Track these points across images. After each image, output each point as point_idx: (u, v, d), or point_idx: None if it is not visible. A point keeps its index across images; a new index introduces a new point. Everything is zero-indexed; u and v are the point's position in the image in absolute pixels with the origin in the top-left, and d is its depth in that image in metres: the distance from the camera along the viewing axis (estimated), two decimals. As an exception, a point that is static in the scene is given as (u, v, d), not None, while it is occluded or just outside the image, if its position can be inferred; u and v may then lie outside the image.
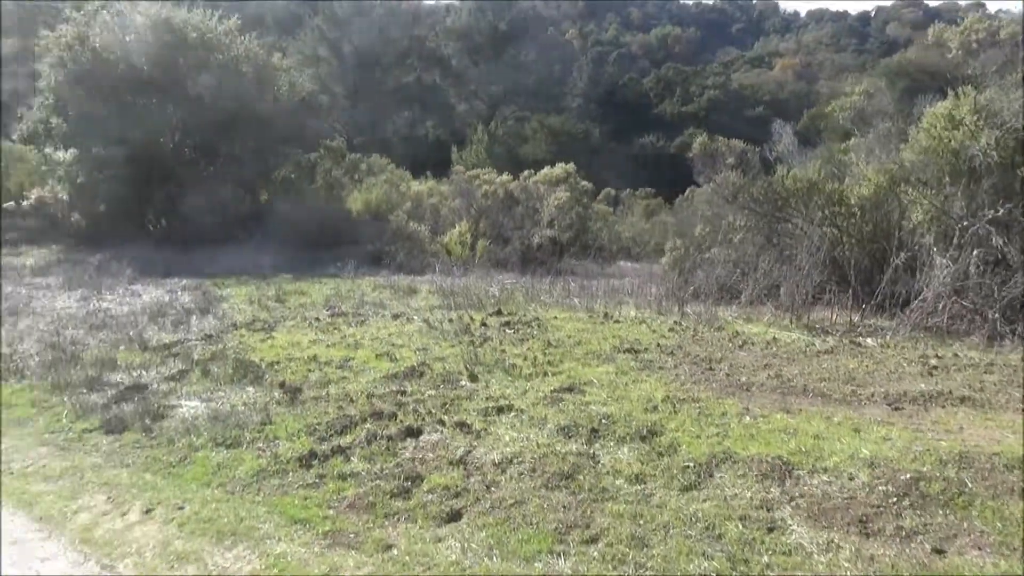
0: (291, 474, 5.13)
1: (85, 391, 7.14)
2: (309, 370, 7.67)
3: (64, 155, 18.92)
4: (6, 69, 44.27)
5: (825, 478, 4.82)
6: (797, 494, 4.61)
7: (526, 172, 26.29)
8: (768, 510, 4.42)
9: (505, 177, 25.62)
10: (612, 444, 5.44)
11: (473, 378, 7.19)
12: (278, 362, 8.03)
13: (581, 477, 4.88)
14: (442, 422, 5.91)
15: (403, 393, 6.76)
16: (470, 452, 5.34)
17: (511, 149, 54.44)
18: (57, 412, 6.67)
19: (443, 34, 67.13)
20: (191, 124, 20.67)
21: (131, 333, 9.72)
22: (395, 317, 10.85)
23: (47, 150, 19.39)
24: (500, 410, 6.20)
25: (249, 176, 21.89)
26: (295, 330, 10.06)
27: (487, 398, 6.56)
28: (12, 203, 20.57)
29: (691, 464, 5.04)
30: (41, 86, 19.52)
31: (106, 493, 4.97)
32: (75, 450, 5.82)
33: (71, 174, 19.32)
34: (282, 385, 6.99)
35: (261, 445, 5.63)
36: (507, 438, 5.56)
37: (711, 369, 7.60)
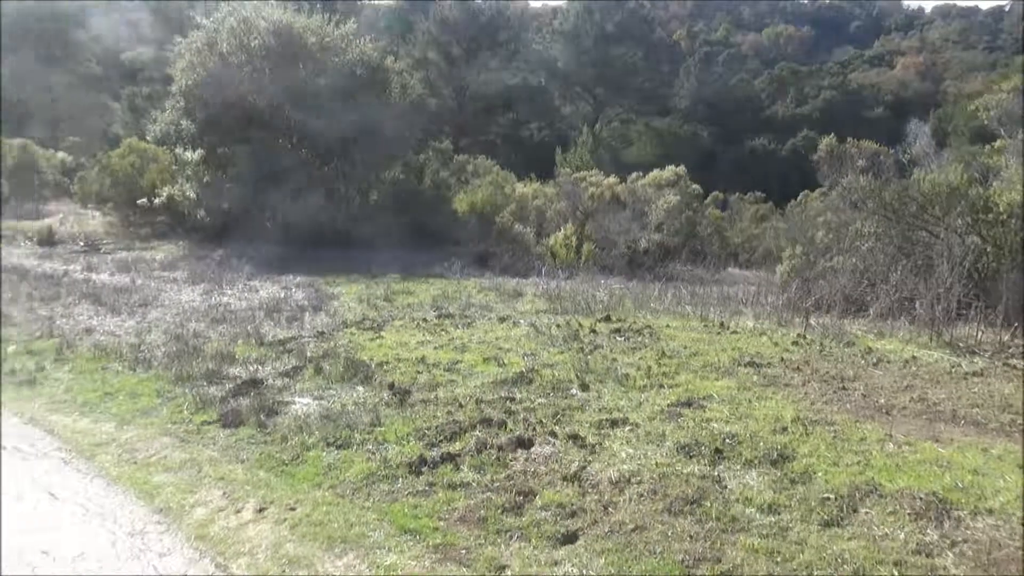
0: (401, 480, 5.00)
1: (205, 383, 7.34)
2: (417, 372, 7.59)
3: (192, 155, 19.96)
4: (143, 75, 47.59)
5: (991, 521, 4.24)
6: (959, 539, 4.06)
7: (633, 175, 25.76)
8: (927, 555, 3.90)
9: (612, 179, 25.17)
10: (739, 467, 5.02)
11: (584, 387, 6.89)
12: (387, 362, 8.01)
13: (707, 503, 4.50)
14: (554, 433, 5.65)
15: (512, 400, 6.54)
16: (584, 468, 5.05)
17: (615, 151, 53.82)
18: (179, 403, 6.86)
19: (550, 36, 67.07)
20: (308, 126, 21.37)
21: (249, 328, 10.00)
22: (501, 320, 10.70)
23: (177, 150, 20.52)
24: (614, 423, 5.88)
25: (361, 176, 22.43)
26: (403, 330, 10.07)
27: (600, 409, 6.25)
28: (145, 200, 21.90)
29: (831, 496, 4.55)
30: (173, 90, 20.70)
31: (222, 488, 5.00)
32: (194, 442, 5.94)
33: (198, 173, 20.38)
34: (391, 386, 6.93)
35: (371, 447, 5.55)
36: (623, 454, 5.24)
37: (844, 388, 6.99)
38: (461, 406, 6.38)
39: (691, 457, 5.17)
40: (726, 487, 4.71)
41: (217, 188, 20.40)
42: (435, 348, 8.80)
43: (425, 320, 10.74)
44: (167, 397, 7.09)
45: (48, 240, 20.30)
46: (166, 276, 15.14)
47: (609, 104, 65.87)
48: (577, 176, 26.27)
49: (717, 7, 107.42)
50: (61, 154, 33.58)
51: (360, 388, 7.05)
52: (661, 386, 6.94)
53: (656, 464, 5.03)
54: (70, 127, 47.12)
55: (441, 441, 5.59)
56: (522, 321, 10.61)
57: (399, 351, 8.66)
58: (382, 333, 9.84)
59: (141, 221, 23.03)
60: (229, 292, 13.35)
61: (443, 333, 9.79)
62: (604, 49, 62.77)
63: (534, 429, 5.74)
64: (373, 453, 5.43)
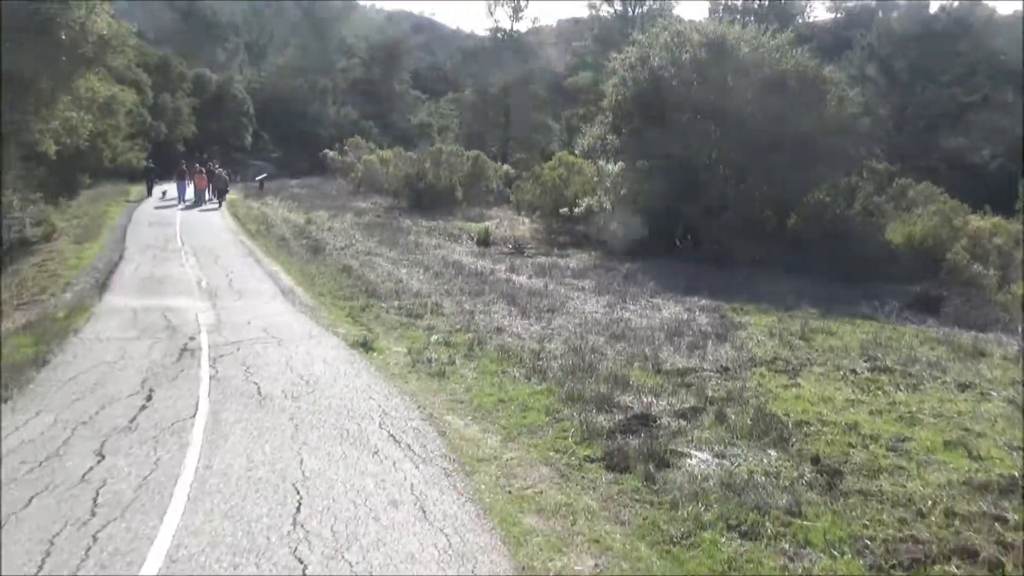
0: (832, 617, 3.51)
1: (594, 409, 6.65)
2: (849, 444, 5.86)
3: (613, 168, 20.36)
4: (581, 97, 51.65)
5: None
6: None
7: None
8: None
9: (1123, 217, 18.98)
10: None
11: None
12: (807, 422, 6.41)
13: None
14: (1096, 606, 3.55)
15: (1003, 521, 4.47)
16: None
17: (1108, 186, 41.84)
18: (565, 427, 6.25)
19: (1025, 44, 55.23)
20: (729, 141, 20.31)
21: (646, 350, 9.23)
22: (962, 388, 8.15)
23: (600, 163, 21.16)
24: None
25: (780, 197, 20.59)
26: (825, 380, 8.27)
27: None
28: (566, 209, 23.09)
29: None
30: (603, 105, 21.43)
31: (595, 558, 4.08)
32: (574, 481, 5.19)
33: (616, 186, 20.73)
34: (815, 460, 5.36)
35: (787, 547, 4.13)
36: None
37: None
38: (921, 515, 4.54)
39: None
40: None
41: (632, 201, 20.48)
42: (871, 413, 6.89)
43: (854, 372, 8.73)
44: (555, 417, 6.56)
45: (484, 241, 22.55)
46: (575, 284, 15.37)
47: (1109, 125, 51.69)
48: (1068, 210, 20.47)
49: None
50: (506, 167, 37.85)
51: (772, 453, 5.61)
52: None
53: None
54: (518, 144, 53.46)
55: (893, 567, 3.90)
56: (994, 393, 7.95)
57: (822, 408, 6.97)
58: (798, 380, 8.18)
59: (561, 229, 24.38)
60: (631, 307, 12.87)
61: (879, 393, 7.75)
62: (1114, 55, 49.41)
63: (1056, 588, 3.70)
64: (791, 559, 4.00)
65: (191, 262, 15.88)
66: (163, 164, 34.18)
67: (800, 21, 61.50)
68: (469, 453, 5.64)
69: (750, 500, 4.63)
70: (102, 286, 13.03)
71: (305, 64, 58.73)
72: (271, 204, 28.78)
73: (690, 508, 4.61)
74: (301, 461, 5.20)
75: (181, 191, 29.29)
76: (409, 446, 5.67)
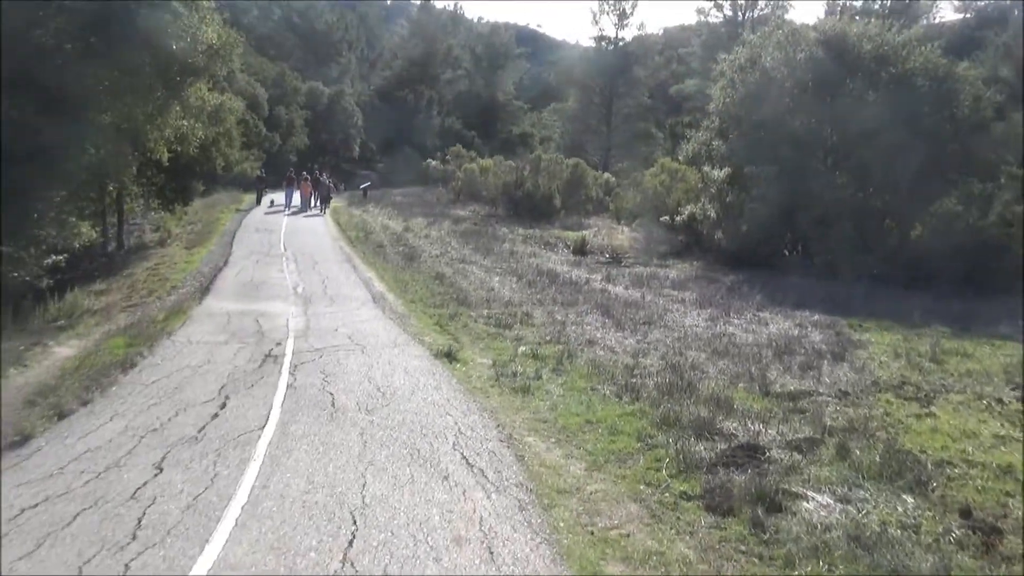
0: None
1: (692, 436, 5.92)
2: (1006, 493, 4.88)
3: (718, 174, 19.30)
4: (687, 105, 50.17)
5: None
6: None
7: None
8: None
9: None
10: None
11: None
12: (950, 462, 5.44)
13: None
14: None
15: None
16: None
17: None
18: (659, 456, 5.56)
19: None
20: (847, 146, 18.88)
21: (752, 369, 8.38)
22: None
23: (705, 169, 20.13)
24: None
25: (902, 206, 18.92)
26: (964, 410, 7.18)
27: None
28: (667, 218, 22.12)
29: None
30: (709, 109, 20.40)
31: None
32: (667, 523, 4.50)
33: (721, 193, 19.65)
34: (965, 513, 4.45)
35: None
36: None
37: None
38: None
39: None
40: None
41: (738, 208, 19.36)
42: (1029, 454, 5.83)
43: (1000, 401, 7.57)
44: (648, 443, 5.87)
45: (581, 250, 21.91)
46: (674, 296, 14.52)
47: None
48: None
49: None
50: (606, 175, 37.02)
51: (909, 499, 4.72)
52: None
53: None
54: (620, 153, 52.53)
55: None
56: None
57: (965, 445, 5.95)
58: (933, 409, 7.14)
59: (661, 238, 23.41)
60: (736, 322, 11.94)
61: (1035, 429, 6.61)
62: None
63: None
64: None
65: (290, 267, 16.07)
66: (277, 173, 35.58)
67: (925, 22, 57.49)
68: (549, 483, 5.05)
69: (885, 561, 3.82)
70: (204, 290, 13.27)
71: (412, 76, 60.06)
72: (372, 212, 29.22)
73: (810, 567, 3.83)
74: (364, 484, 4.76)
75: (288, 198, 30.48)
76: (483, 471, 5.13)
